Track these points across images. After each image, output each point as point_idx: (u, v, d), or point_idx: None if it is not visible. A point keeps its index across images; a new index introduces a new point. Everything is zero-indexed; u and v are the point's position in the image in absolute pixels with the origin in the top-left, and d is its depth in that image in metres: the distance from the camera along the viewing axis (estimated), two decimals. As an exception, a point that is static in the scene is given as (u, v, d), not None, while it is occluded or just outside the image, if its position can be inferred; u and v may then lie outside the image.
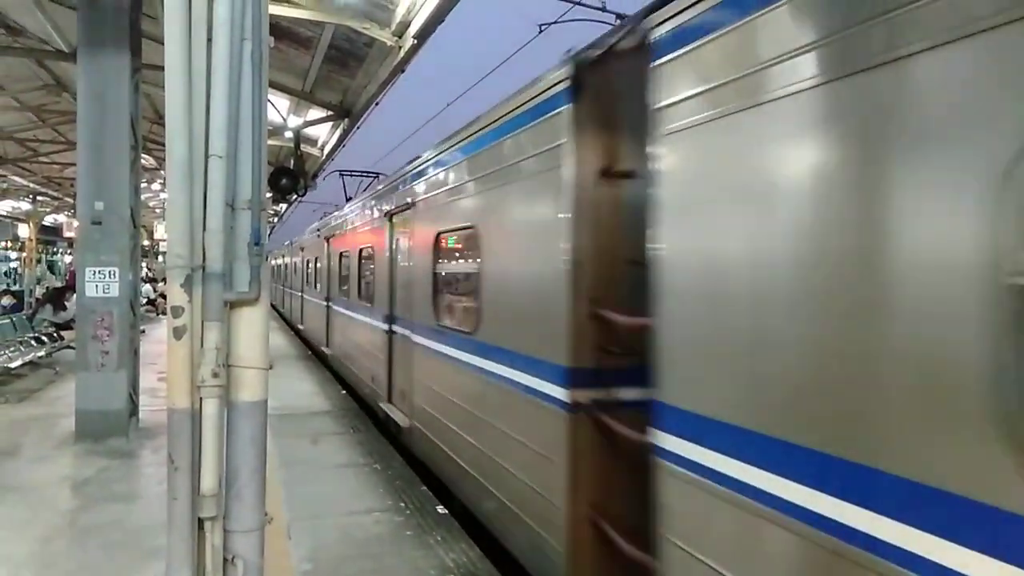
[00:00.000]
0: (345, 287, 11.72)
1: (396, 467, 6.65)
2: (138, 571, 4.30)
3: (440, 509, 5.50)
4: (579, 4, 8.31)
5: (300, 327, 19.16)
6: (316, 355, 15.21)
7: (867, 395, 2.01)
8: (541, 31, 8.63)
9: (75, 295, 8.86)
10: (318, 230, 16.09)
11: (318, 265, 15.52)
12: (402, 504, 5.59)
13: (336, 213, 14.61)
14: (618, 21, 8.19)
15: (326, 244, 13.93)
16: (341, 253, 12.18)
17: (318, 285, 15.33)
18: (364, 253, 10.07)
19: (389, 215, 8.22)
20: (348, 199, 13.33)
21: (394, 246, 8.08)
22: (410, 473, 6.47)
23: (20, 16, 9.57)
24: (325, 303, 13.79)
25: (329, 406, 9.69)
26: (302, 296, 18.44)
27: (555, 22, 8.39)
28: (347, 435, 7.96)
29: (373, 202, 9.52)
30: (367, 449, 7.30)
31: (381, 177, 11.61)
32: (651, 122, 3.06)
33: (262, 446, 2.78)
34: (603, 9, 8.34)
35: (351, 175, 16.64)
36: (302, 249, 19.29)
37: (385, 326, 8.18)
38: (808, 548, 2.19)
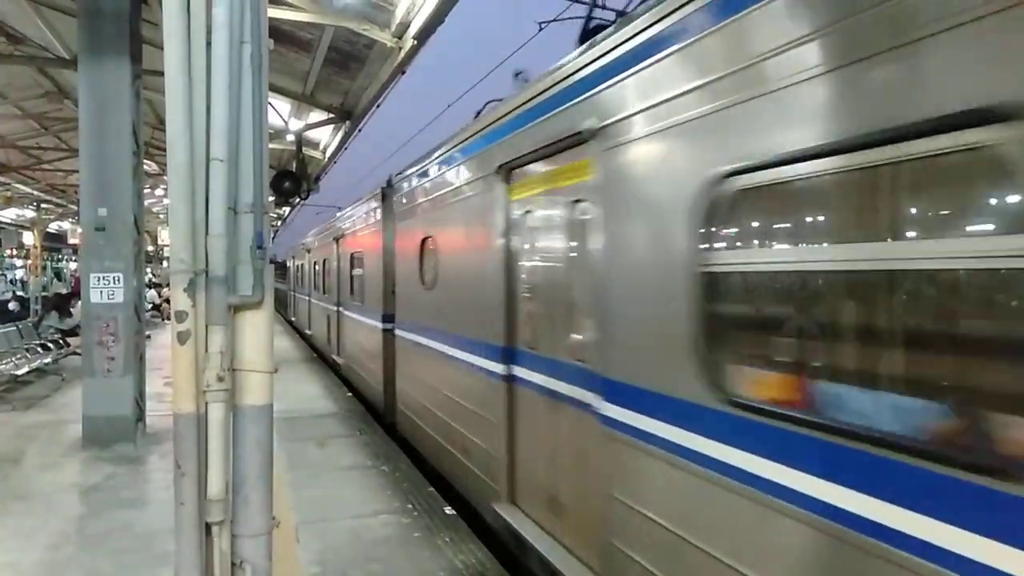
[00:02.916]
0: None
1: (403, 469, 6.65)
2: (147, 576, 4.30)
3: (448, 510, 5.49)
4: (578, 2, 8.27)
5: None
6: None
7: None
8: (541, 29, 8.60)
9: (80, 301, 8.88)
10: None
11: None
12: (410, 506, 5.58)
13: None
14: (617, 18, 8.15)
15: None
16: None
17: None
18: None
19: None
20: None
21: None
22: (417, 475, 6.47)
23: (21, 24, 9.61)
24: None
25: (335, 408, 9.70)
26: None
27: (555, 20, 8.36)
28: (353, 437, 7.96)
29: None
30: (373, 451, 7.30)
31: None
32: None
33: (268, 450, 2.78)
34: (603, 7, 8.31)
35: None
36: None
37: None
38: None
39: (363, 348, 10.29)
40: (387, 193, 8.71)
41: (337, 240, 13.04)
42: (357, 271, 11.02)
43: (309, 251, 18.56)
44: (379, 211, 8.91)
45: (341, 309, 12.61)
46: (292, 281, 24.76)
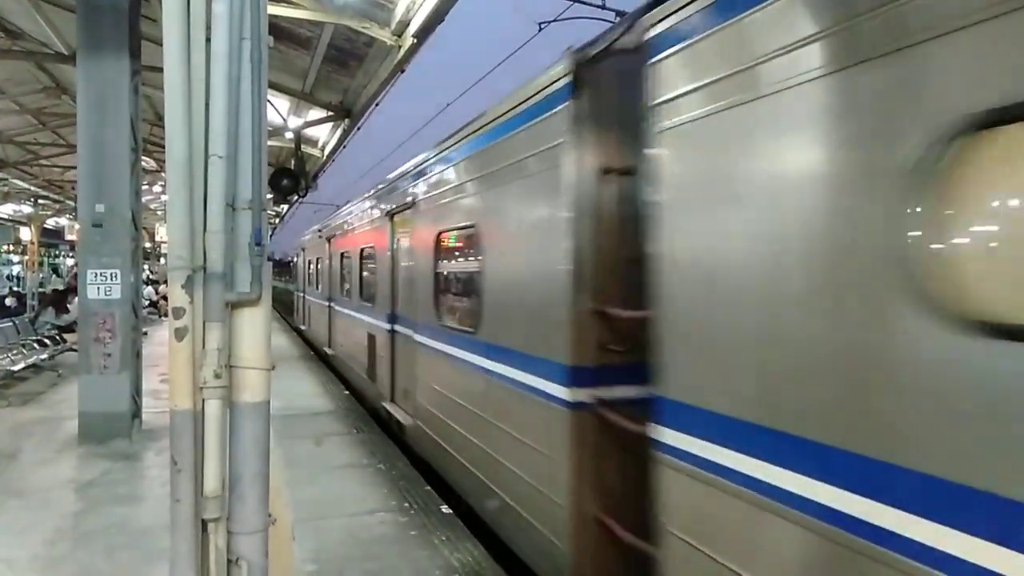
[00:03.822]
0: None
1: (400, 467, 6.65)
2: (142, 574, 4.29)
3: (444, 509, 5.49)
4: (579, 2, 8.27)
5: None
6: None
7: None
8: (541, 29, 8.60)
9: (77, 298, 8.86)
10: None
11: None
12: (406, 504, 5.58)
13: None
14: (617, 19, 8.16)
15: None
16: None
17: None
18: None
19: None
20: None
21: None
22: (414, 473, 6.46)
23: (19, 19, 9.58)
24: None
25: (332, 406, 9.69)
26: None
27: (555, 20, 8.36)
28: (350, 435, 7.95)
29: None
30: (370, 449, 7.29)
31: None
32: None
33: (265, 447, 2.77)
34: (603, 7, 8.32)
35: None
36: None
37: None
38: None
39: (487, 429, 4.96)
40: (585, 79, 3.77)
41: (392, 216, 8.30)
42: (450, 269, 6.19)
43: (331, 239, 13.35)
44: (556, 127, 3.91)
45: (400, 330, 7.78)
46: (302, 280, 18.81)
